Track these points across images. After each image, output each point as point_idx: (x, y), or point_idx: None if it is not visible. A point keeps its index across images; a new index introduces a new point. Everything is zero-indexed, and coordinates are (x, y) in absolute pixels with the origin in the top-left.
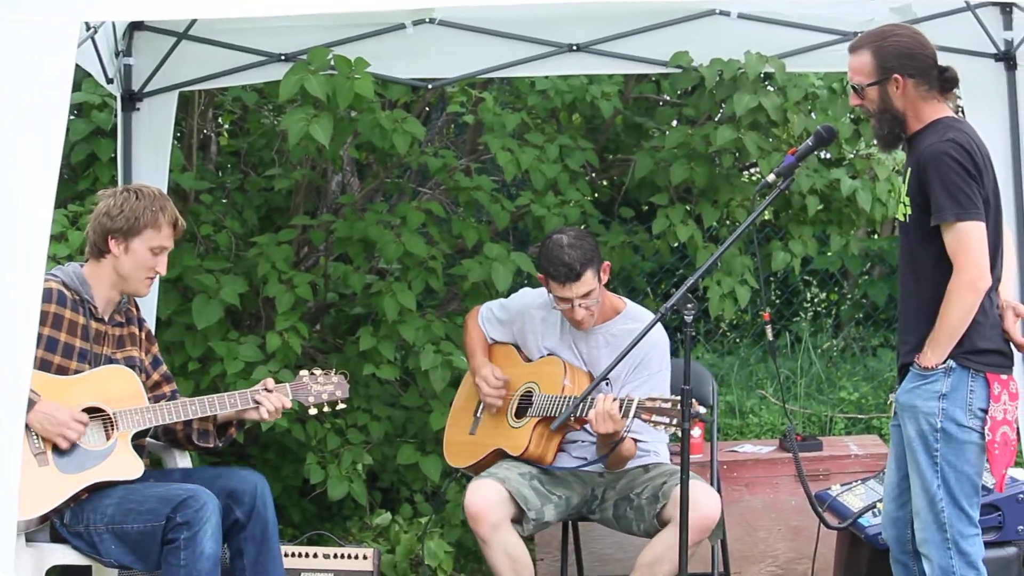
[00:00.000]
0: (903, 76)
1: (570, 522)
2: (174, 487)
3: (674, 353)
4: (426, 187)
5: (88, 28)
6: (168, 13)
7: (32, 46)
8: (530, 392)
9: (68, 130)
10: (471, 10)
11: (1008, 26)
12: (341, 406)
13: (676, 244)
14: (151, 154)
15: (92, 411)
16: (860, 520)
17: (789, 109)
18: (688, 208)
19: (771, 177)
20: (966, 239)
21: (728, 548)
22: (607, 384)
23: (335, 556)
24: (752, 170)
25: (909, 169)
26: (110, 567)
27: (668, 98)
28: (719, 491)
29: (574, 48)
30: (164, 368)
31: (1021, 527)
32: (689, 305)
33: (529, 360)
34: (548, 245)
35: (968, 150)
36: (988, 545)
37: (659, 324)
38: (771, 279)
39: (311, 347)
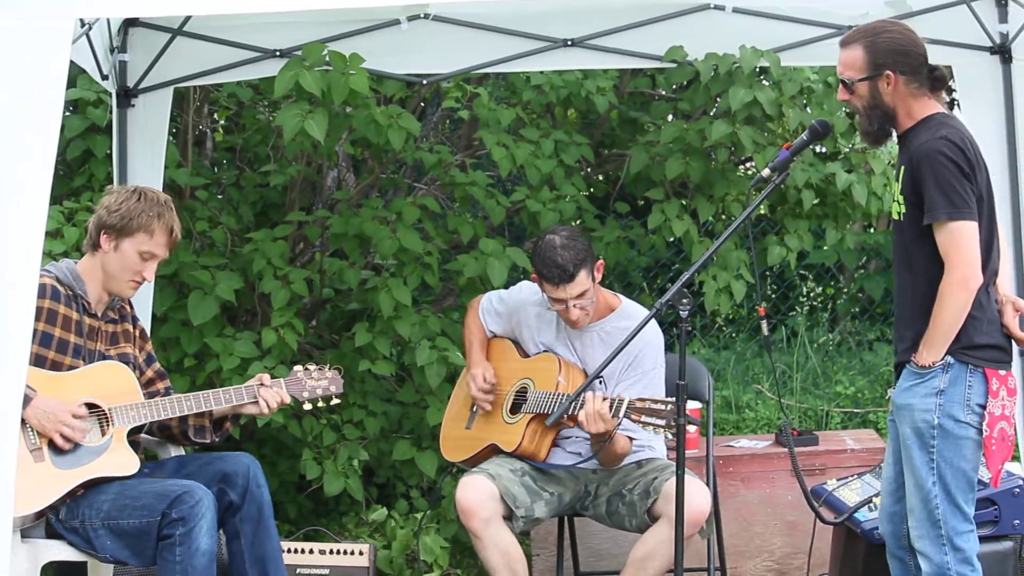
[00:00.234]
0: (895, 73)
1: (565, 517)
2: (170, 483)
3: (670, 348)
4: (421, 183)
5: (83, 25)
6: (163, 9)
7: (27, 43)
8: (525, 388)
9: (63, 127)
10: (465, 5)
11: (1003, 19)
12: (336, 401)
13: (672, 239)
14: (146, 150)
15: (88, 407)
16: (856, 515)
17: (784, 103)
18: (683, 203)
19: (766, 172)
20: (958, 238)
21: (724, 543)
22: (601, 382)
23: (331, 552)
24: (747, 164)
25: (902, 167)
26: (106, 563)
27: (663, 93)
28: (715, 486)
29: (569, 43)
30: (158, 365)
31: (1017, 521)
32: (684, 300)
33: (526, 355)
34: (541, 246)
35: (961, 147)
36: (984, 540)
37: (654, 322)
38: (767, 273)
39: (307, 343)
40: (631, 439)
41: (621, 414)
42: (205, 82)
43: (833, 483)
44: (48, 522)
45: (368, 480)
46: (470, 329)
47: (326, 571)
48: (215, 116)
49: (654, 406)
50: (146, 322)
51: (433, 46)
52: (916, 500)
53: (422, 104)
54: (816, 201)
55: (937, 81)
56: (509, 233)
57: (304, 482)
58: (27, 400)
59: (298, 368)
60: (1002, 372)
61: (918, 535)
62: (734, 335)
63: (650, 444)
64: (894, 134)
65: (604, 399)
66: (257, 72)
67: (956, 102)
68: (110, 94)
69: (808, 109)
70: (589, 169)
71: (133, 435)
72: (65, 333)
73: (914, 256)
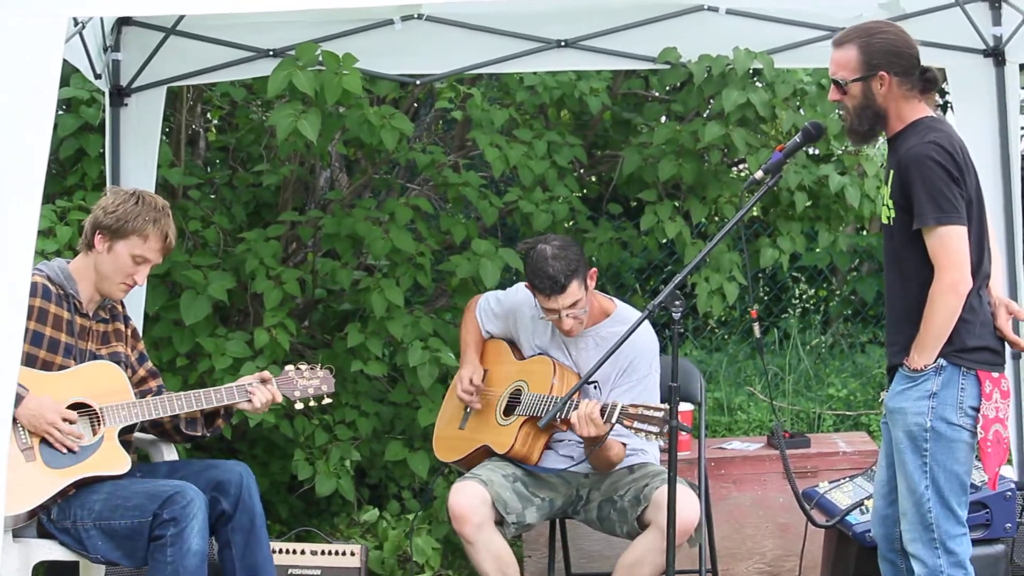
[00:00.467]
0: (889, 73)
1: (557, 520)
2: (161, 483)
3: (662, 350)
4: (414, 183)
5: (76, 23)
6: (156, 8)
7: (20, 41)
8: (519, 390)
9: (56, 125)
10: (459, 6)
11: (997, 21)
12: (327, 400)
13: (664, 240)
14: (139, 149)
15: (78, 407)
16: (848, 517)
17: (777, 105)
18: (676, 204)
19: (759, 174)
20: (947, 243)
21: (715, 545)
22: (596, 387)
23: (323, 552)
24: (740, 166)
25: (891, 171)
26: (97, 563)
27: (656, 94)
28: (706, 488)
29: (562, 44)
30: (150, 364)
31: (1009, 524)
32: (677, 302)
33: (521, 357)
34: (533, 256)
35: (950, 151)
36: (976, 543)
37: (650, 327)
38: (759, 275)
39: (299, 343)
40: (624, 444)
41: (614, 419)
42: (198, 81)
43: (825, 486)
44: (40, 522)
45: (360, 481)
46: (466, 329)
47: (317, 572)
48: (208, 115)
49: (647, 413)
50: (138, 321)
51: (427, 46)
52: (909, 503)
53: (415, 104)
54: (809, 203)
55: (928, 83)
56: (502, 234)
57: (296, 482)
58: (19, 399)
59: (290, 368)
60: (995, 374)
61: (911, 538)
62: (726, 337)
63: (643, 448)
64: (881, 136)
65: (597, 403)
66: (250, 72)
67: (949, 104)
68: (103, 93)
69: (801, 111)
70: (582, 170)
71: (125, 434)
72: (56, 332)
73: (904, 260)
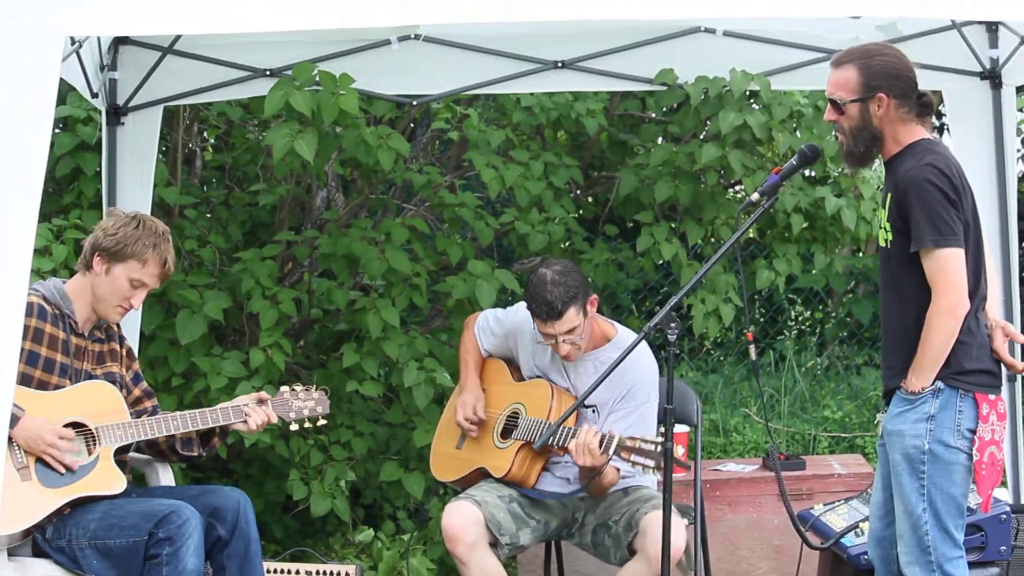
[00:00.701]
0: (887, 95)
1: (551, 542)
2: (156, 502)
3: (659, 372)
4: (410, 203)
5: (73, 42)
6: (153, 29)
7: (17, 60)
8: (517, 413)
9: (53, 144)
10: (456, 27)
11: (994, 44)
12: (322, 422)
13: (660, 262)
14: (136, 168)
15: (74, 426)
16: (843, 540)
17: (774, 127)
18: (673, 226)
19: (755, 196)
20: (945, 265)
21: (711, 567)
22: (594, 411)
23: (317, 573)
24: (737, 188)
25: (889, 194)
26: None
27: (653, 115)
28: (702, 510)
29: (559, 65)
30: (145, 384)
31: (1003, 547)
32: (673, 324)
33: (520, 378)
34: (533, 281)
35: (947, 174)
36: (971, 565)
37: (651, 354)
38: (755, 297)
39: (295, 363)
40: (618, 469)
41: (611, 451)
42: (195, 101)
43: (820, 508)
44: (35, 541)
45: (355, 501)
46: (465, 347)
47: None
48: (205, 135)
49: (644, 446)
50: (134, 341)
51: (424, 67)
52: (906, 525)
53: (412, 125)
54: (805, 225)
55: (924, 107)
56: (498, 255)
57: (291, 502)
58: (15, 419)
59: (285, 389)
60: (992, 397)
61: (907, 560)
62: (722, 359)
63: (638, 470)
64: (877, 158)
65: (595, 434)
66: (247, 91)
67: (946, 127)
68: (100, 112)
69: (798, 133)
70: (578, 191)
71: (120, 454)
72: (51, 352)
73: (901, 283)
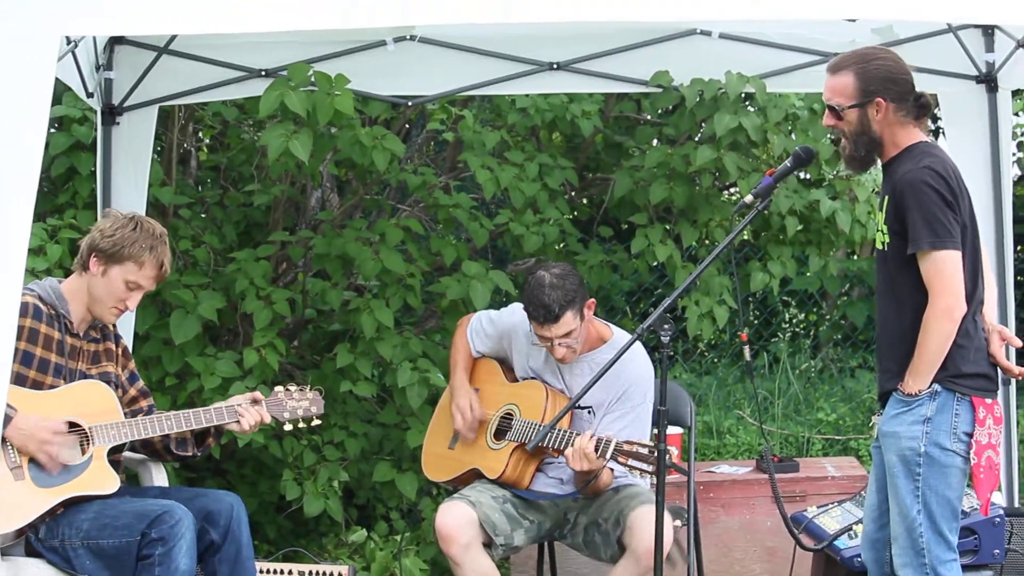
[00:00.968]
0: (885, 100)
1: (545, 542)
2: (149, 502)
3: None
4: (405, 204)
5: (69, 42)
6: (150, 29)
7: (12, 60)
8: (511, 414)
9: (48, 143)
10: (452, 28)
11: (990, 48)
12: (316, 422)
13: (655, 263)
14: (131, 168)
15: (68, 426)
16: (836, 542)
17: (769, 129)
18: (667, 228)
19: (749, 198)
20: (942, 267)
21: (704, 569)
22: (590, 412)
23: (310, 573)
24: (732, 190)
25: (886, 196)
26: None
27: (648, 117)
28: (695, 512)
29: (554, 66)
30: (141, 383)
31: (997, 551)
32: (666, 326)
33: (513, 379)
34: (531, 283)
35: (944, 176)
36: (964, 569)
37: (645, 356)
38: (750, 299)
39: (288, 363)
40: (612, 470)
41: (608, 456)
42: (190, 101)
43: (813, 510)
44: (28, 541)
45: (348, 501)
46: (456, 348)
47: None
48: (200, 135)
49: (641, 450)
50: (128, 340)
51: (419, 68)
52: (900, 528)
53: (407, 125)
54: (800, 228)
55: (922, 109)
56: (492, 256)
57: (284, 502)
58: (8, 419)
59: (279, 389)
60: (988, 400)
61: (901, 563)
62: (716, 360)
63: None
64: (877, 160)
65: (592, 438)
66: (242, 91)
67: (941, 130)
68: (95, 111)
69: (793, 135)
70: (573, 193)
71: (114, 454)
72: (46, 352)
73: (898, 286)
